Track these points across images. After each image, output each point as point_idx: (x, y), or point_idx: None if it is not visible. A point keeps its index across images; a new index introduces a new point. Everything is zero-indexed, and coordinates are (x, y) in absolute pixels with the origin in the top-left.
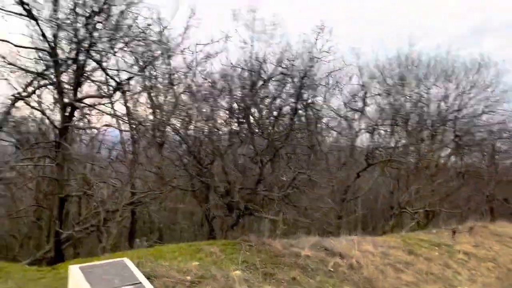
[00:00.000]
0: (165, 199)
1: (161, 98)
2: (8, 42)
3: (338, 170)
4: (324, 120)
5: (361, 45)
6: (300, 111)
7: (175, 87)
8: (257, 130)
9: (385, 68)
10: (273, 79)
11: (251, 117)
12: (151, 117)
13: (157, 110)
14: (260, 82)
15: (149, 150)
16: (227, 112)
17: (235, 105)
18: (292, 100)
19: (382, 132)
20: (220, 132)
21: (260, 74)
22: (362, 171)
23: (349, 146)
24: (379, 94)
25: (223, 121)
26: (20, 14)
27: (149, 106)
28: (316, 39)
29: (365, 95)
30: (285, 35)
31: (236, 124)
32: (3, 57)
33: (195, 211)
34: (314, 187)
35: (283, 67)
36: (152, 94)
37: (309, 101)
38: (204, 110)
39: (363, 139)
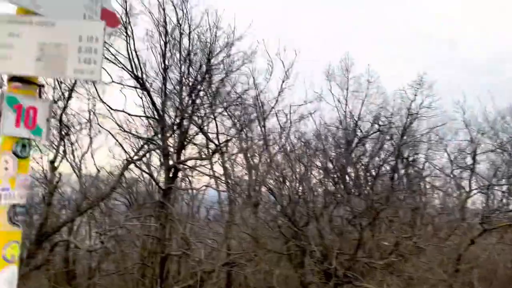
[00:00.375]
0: (260, 261)
1: (257, 159)
2: (124, 112)
3: (448, 236)
4: (428, 179)
5: (465, 95)
6: (400, 170)
7: (270, 148)
8: (354, 191)
9: (496, 121)
10: (369, 137)
11: (347, 177)
12: (246, 177)
13: (253, 171)
14: (356, 141)
15: (245, 211)
16: (322, 172)
17: (330, 165)
18: (392, 158)
19: (499, 193)
20: (315, 193)
21: (355, 132)
22: (477, 237)
23: (459, 209)
24: (492, 151)
25: (318, 181)
26: (135, 87)
27: (245, 166)
28: (415, 95)
29: (474, 151)
30: (380, 91)
31: (331, 184)
32: (120, 126)
33: (290, 276)
34: (421, 254)
35: (380, 125)
36: (248, 155)
37: (410, 159)
38: (298, 170)
39: (475, 201)
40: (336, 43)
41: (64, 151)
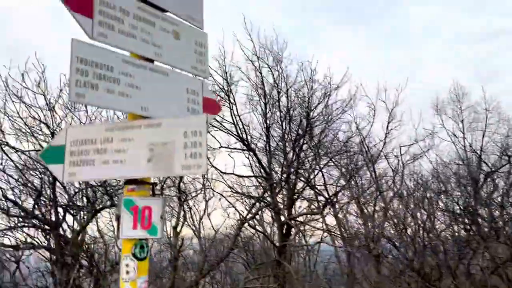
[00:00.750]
0: None
1: (371, 207)
2: (234, 174)
3: None
4: None
5: None
6: None
7: (384, 194)
8: (491, 235)
9: None
10: (499, 171)
11: (480, 220)
12: (362, 228)
13: (368, 220)
14: (483, 177)
15: (365, 264)
16: (448, 216)
17: (456, 207)
18: None
19: None
20: (445, 241)
21: (480, 167)
22: None
23: None
24: None
25: (445, 227)
26: (241, 149)
27: (359, 216)
28: None
29: None
30: (503, 118)
31: (462, 230)
32: (231, 187)
33: None
34: None
35: (510, 156)
36: (361, 204)
37: None
38: (419, 216)
39: None
40: (442, 72)
41: (184, 216)
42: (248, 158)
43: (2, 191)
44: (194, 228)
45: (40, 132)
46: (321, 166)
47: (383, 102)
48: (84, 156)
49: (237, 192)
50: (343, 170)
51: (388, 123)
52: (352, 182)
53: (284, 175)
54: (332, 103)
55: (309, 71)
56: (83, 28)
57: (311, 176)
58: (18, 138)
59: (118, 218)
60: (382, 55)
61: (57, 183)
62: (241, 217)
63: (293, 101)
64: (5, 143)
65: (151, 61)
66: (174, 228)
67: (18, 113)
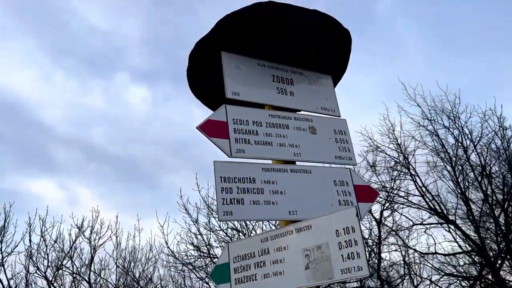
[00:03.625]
0: None
1: None
2: (438, 253)
3: None
4: None
5: None
6: None
7: None
8: None
9: None
10: None
11: None
12: None
13: None
14: None
15: None
16: None
17: None
18: None
19: None
20: None
21: None
22: None
23: None
24: None
25: None
26: (439, 223)
27: None
28: None
29: None
30: None
31: None
32: (437, 269)
33: None
34: None
35: None
36: None
37: None
38: None
39: None
40: None
41: None
42: (449, 231)
43: None
44: None
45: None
46: None
47: None
48: (247, 272)
49: (449, 274)
50: None
51: None
52: None
53: (503, 245)
54: None
55: (495, 119)
56: (222, 150)
57: None
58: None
59: None
60: None
61: None
62: None
63: (486, 157)
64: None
65: (292, 162)
66: None
67: (220, 226)
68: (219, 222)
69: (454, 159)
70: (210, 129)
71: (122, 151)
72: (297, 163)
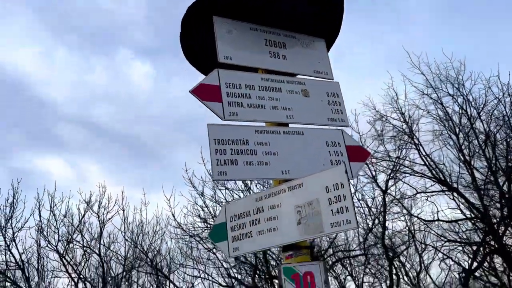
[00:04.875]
0: None
1: None
2: (440, 220)
3: None
4: None
5: None
6: None
7: None
8: None
9: None
10: None
11: None
12: None
13: None
14: None
15: None
16: None
17: None
18: None
19: None
20: None
21: None
22: None
23: None
24: None
25: None
26: (442, 191)
27: None
28: None
29: None
30: None
31: None
32: (440, 236)
33: None
34: None
35: None
36: None
37: None
38: None
39: None
40: None
41: (397, 276)
42: (453, 199)
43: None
44: (411, 285)
45: None
46: None
47: None
48: (242, 230)
49: (452, 241)
50: None
51: None
52: None
53: (506, 211)
54: None
55: (500, 85)
56: (215, 113)
57: None
58: None
59: None
60: None
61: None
62: (465, 268)
63: (492, 123)
64: None
65: (285, 124)
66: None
67: (225, 198)
68: (225, 194)
69: (458, 127)
70: (203, 93)
71: (127, 128)
72: (290, 125)
